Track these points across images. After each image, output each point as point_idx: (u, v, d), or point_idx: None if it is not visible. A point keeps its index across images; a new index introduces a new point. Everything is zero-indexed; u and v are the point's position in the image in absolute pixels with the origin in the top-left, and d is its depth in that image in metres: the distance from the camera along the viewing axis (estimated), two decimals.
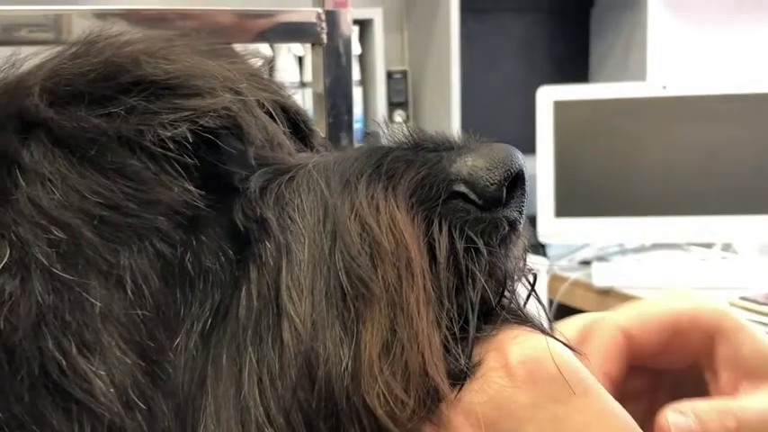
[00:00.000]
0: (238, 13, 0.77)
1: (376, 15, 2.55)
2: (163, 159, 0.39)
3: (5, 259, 0.37)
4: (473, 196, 0.40)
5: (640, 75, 2.71)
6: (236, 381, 0.38)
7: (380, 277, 0.38)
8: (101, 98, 0.40)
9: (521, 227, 0.41)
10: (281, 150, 0.45)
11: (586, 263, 2.18)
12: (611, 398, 0.39)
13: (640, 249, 2.25)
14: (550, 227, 2.14)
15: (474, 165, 0.40)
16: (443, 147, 0.42)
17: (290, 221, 0.41)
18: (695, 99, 2.10)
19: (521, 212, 0.41)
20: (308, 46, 2.06)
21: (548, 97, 2.13)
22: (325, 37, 0.76)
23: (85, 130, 0.39)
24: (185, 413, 0.38)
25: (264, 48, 2.00)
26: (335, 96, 0.75)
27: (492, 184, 0.39)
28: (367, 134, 0.50)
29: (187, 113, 0.40)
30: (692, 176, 2.10)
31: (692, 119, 2.09)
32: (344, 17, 0.77)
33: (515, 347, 0.38)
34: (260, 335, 0.39)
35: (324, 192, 0.41)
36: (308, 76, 2.46)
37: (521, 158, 0.41)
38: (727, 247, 2.23)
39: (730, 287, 1.89)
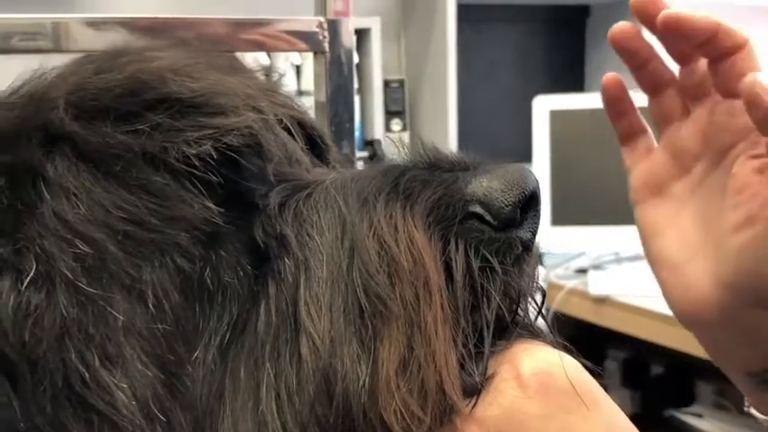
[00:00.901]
0: (239, 23, 0.77)
1: (373, 24, 2.56)
2: (185, 176, 0.40)
3: (32, 273, 0.37)
4: (488, 217, 0.40)
5: (636, 84, 2.72)
6: (253, 394, 0.39)
7: (398, 295, 0.39)
8: (126, 114, 0.41)
9: (533, 247, 0.42)
10: (299, 167, 0.46)
11: (582, 271, 2.18)
12: (618, 410, 0.40)
13: (636, 258, 2.25)
14: (546, 235, 2.15)
15: (489, 186, 0.40)
16: (459, 167, 0.42)
17: (308, 238, 0.41)
18: None
19: (534, 233, 0.42)
20: (306, 54, 2.06)
21: (544, 106, 2.14)
22: (327, 45, 0.77)
23: (111, 145, 0.40)
24: (203, 425, 0.39)
25: (262, 56, 2.01)
26: (337, 105, 0.76)
27: (507, 206, 0.40)
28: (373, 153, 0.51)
29: (211, 131, 0.41)
30: None
31: None
32: (346, 26, 0.78)
33: (527, 360, 0.39)
34: (278, 350, 0.39)
35: (342, 209, 0.41)
36: (306, 85, 2.46)
37: (534, 179, 0.41)
38: None
39: None
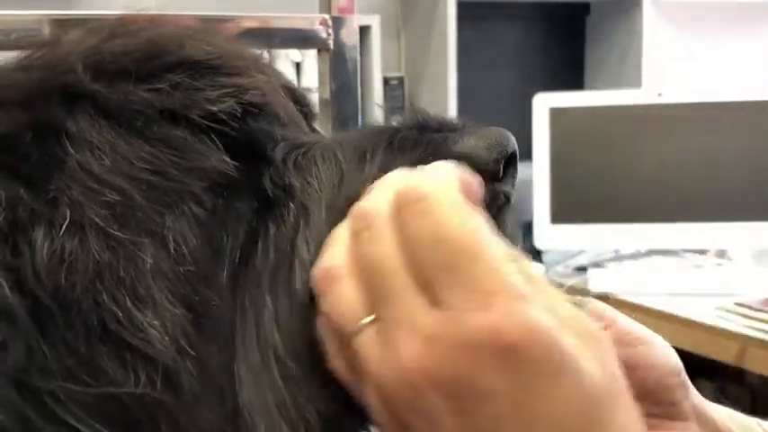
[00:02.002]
0: (244, 20, 0.77)
1: (373, 22, 2.56)
2: (202, 132, 0.43)
3: (66, 222, 0.39)
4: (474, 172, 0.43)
5: (636, 82, 2.73)
6: (257, 322, 0.42)
7: None
8: (145, 75, 0.43)
9: (512, 200, 0.46)
10: (298, 128, 0.50)
11: (582, 269, 2.19)
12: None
13: (636, 256, 2.26)
14: (546, 233, 2.15)
15: (475, 144, 0.44)
16: (446, 128, 0.46)
17: (308, 186, 0.44)
18: (690, 106, 2.11)
19: (513, 187, 0.46)
20: (306, 52, 2.05)
21: (544, 104, 2.14)
22: (331, 43, 0.77)
23: (131, 102, 0.42)
24: (225, 356, 0.41)
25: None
26: (341, 102, 0.76)
27: (491, 162, 0.44)
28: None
29: (231, 90, 0.44)
30: (687, 183, 2.11)
31: (687, 126, 2.10)
32: (350, 23, 0.78)
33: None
34: (276, 283, 0.42)
35: (341, 162, 0.45)
36: (306, 82, 2.46)
37: (514, 141, 0.45)
38: (721, 254, 2.24)
39: (725, 293, 1.90)
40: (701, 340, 1.77)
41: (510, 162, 0.45)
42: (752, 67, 2.98)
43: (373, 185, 0.42)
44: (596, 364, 0.35)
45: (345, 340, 0.39)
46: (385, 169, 0.43)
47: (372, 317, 0.38)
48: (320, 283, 0.41)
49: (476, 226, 0.37)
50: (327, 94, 0.77)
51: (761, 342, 1.73)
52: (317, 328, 0.41)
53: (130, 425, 0.39)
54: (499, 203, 0.45)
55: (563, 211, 2.15)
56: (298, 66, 2.50)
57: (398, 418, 0.37)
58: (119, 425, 0.39)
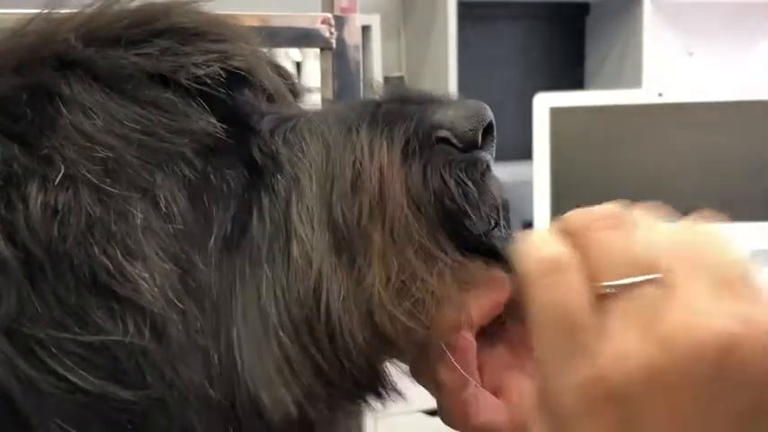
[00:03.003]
0: (246, 19, 0.77)
1: (373, 21, 2.55)
2: (191, 95, 0.44)
3: (58, 177, 0.40)
4: (455, 140, 0.46)
5: (636, 82, 2.72)
6: (256, 290, 0.43)
7: (377, 216, 0.44)
8: (135, 41, 0.44)
9: (491, 169, 0.48)
10: (284, 100, 0.51)
11: None
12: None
13: None
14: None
15: (454, 114, 0.46)
16: (426, 100, 0.48)
17: (297, 159, 0.46)
18: (691, 106, 2.11)
19: (492, 155, 0.48)
20: (306, 51, 2.05)
21: (544, 104, 2.14)
22: (334, 42, 0.77)
23: (122, 66, 0.44)
24: (218, 314, 0.42)
25: None
26: (341, 102, 0.76)
27: (469, 130, 0.46)
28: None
29: (217, 55, 0.45)
30: (687, 183, 2.11)
31: (688, 126, 2.10)
32: (353, 22, 0.78)
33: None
34: (273, 253, 0.44)
35: (326, 136, 0.46)
36: (306, 82, 2.46)
37: (490, 112, 0.47)
38: None
39: None
40: None
41: (488, 131, 0.47)
42: (752, 67, 2.98)
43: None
44: None
45: (610, 289, 0.38)
46: (370, 142, 0.45)
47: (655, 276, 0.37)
48: (598, 220, 0.41)
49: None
50: (329, 94, 0.77)
51: None
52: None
53: (117, 375, 0.40)
54: (481, 169, 0.47)
55: (563, 211, 2.14)
56: (298, 65, 2.50)
57: (667, 385, 0.36)
58: (106, 374, 0.40)
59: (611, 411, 0.36)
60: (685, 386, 0.35)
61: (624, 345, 0.36)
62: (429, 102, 0.47)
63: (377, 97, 0.49)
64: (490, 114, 0.47)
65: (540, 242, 0.40)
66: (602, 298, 0.38)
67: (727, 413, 0.36)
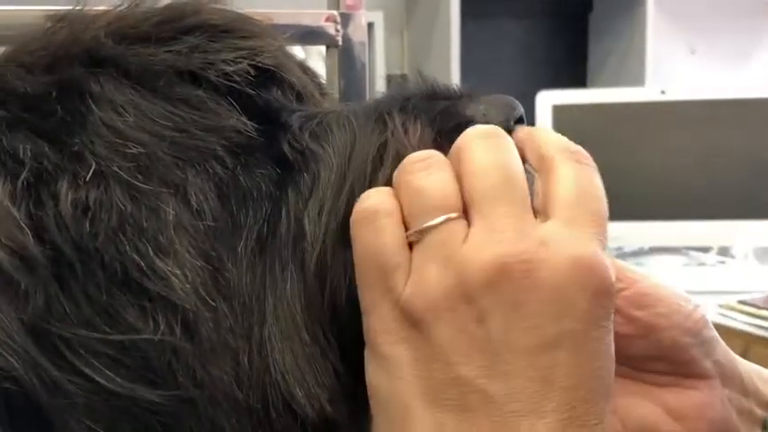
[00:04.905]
0: (251, 16, 0.77)
1: (376, 19, 2.56)
2: (221, 93, 0.44)
3: (89, 174, 0.40)
4: None
5: (639, 79, 2.72)
6: (286, 288, 0.43)
7: None
8: (165, 38, 0.44)
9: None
10: (312, 98, 0.51)
11: None
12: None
13: (639, 253, 2.25)
14: None
15: (486, 108, 0.46)
16: (455, 95, 0.47)
17: (323, 152, 0.45)
18: (694, 104, 2.11)
19: None
20: (309, 49, 2.05)
21: (547, 102, 2.14)
22: (340, 39, 0.77)
23: (153, 63, 0.43)
24: (249, 314, 0.42)
25: None
26: (350, 100, 0.75)
27: (501, 123, 0.45)
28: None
29: (246, 52, 0.45)
30: (690, 181, 2.11)
31: (691, 124, 2.10)
32: (359, 20, 0.77)
33: None
34: (297, 252, 0.43)
35: (354, 127, 0.46)
36: None
37: (521, 108, 0.47)
38: (724, 252, 2.24)
39: (728, 291, 1.90)
40: None
41: (518, 125, 0.47)
42: (755, 65, 2.98)
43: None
44: None
45: (420, 229, 0.40)
46: (405, 125, 0.44)
47: (458, 213, 0.40)
48: (407, 165, 0.41)
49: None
50: (336, 92, 0.76)
51: (764, 340, 1.73)
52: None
53: (147, 375, 0.39)
54: None
55: None
56: None
57: (464, 307, 0.38)
58: (136, 375, 0.39)
59: (416, 338, 0.39)
60: (481, 309, 0.38)
61: (424, 276, 0.39)
62: (457, 97, 0.47)
63: (405, 92, 0.48)
64: (521, 108, 0.47)
65: (366, 194, 0.42)
66: (413, 240, 0.40)
67: (523, 338, 0.38)
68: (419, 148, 0.43)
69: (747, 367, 0.51)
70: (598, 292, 0.38)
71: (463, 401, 0.38)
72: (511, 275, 0.38)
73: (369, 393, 0.41)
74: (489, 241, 0.38)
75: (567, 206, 0.40)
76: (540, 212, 0.40)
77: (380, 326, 0.40)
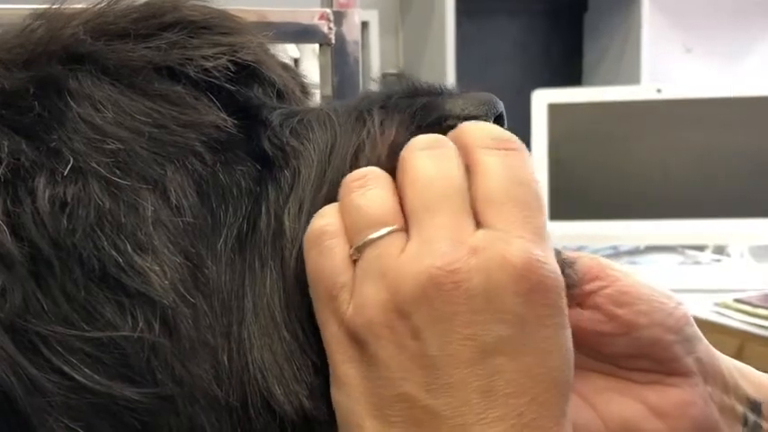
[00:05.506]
0: (243, 14, 0.76)
1: (371, 17, 2.55)
2: (201, 88, 0.44)
3: (66, 169, 0.39)
4: None
5: (634, 78, 2.72)
6: (265, 286, 0.42)
7: None
8: (144, 35, 0.44)
9: None
10: (293, 95, 0.51)
11: None
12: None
13: (634, 252, 2.25)
14: None
15: (464, 104, 0.45)
16: (435, 92, 0.47)
17: (304, 149, 0.45)
18: (689, 102, 2.11)
19: None
20: (305, 47, 2.04)
21: (542, 100, 2.14)
22: (333, 37, 0.76)
23: (131, 59, 0.43)
24: (229, 312, 0.42)
25: None
26: (343, 97, 0.75)
27: (480, 118, 0.45)
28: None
29: (225, 48, 0.45)
30: (685, 180, 2.11)
31: (687, 122, 2.10)
32: (352, 17, 0.77)
33: None
34: (276, 250, 0.43)
35: (334, 125, 0.45)
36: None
37: (501, 104, 0.47)
38: (720, 250, 2.24)
39: (724, 289, 1.90)
40: None
41: (497, 122, 0.46)
42: (751, 63, 2.98)
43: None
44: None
45: (359, 246, 0.40)
46: (383, 124, 0.44)
47: (395, 226, 0.40)
48: (348, 182, 0.41)
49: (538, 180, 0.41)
50: (329, 91, 0.76)
51: (760, 338, 1.72)
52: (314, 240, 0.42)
53: (126, 373, 0.39)
54: None
55: (561, 208, 2.14)
56: (296, 62, 2.49)
57: (399, 323, 0.38)
58: (114, 373, 0.39)
59: (361, 357, 0.39)
60: (415, 324, 0.38)
61: (363, 294, 0.39)
62: (439, 93, 0.47)
63: (387, 89, 0.48)
64: (500, 105, 0.46)
65: (317, 214, 0.42)
66: (355, 258, 0.40)
67: (460, 350, 0.37)
68: (393, 150, 0.43)
69: (728, 363, 0.51)
70: (533, 292, 0.37)
71: (411, 418, 0.38)
72: (441, 287, 0.37)
73: (334, 408, 0.41)
74: (422, 253, 0.38)
75: (494, 204, 0.39)
76: (476, 215, 0.40)
77: (332, 346, 0.40)
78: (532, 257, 0.38)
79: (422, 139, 0.42)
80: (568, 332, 0.39)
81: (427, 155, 0.41)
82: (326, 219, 0.41)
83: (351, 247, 0.40)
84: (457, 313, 0.37)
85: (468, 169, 0.41)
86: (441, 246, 0.38)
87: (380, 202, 0.40)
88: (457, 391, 0.37)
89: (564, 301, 0.39)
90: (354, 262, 0.40)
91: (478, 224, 0.39)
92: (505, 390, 0.37)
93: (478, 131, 0.42)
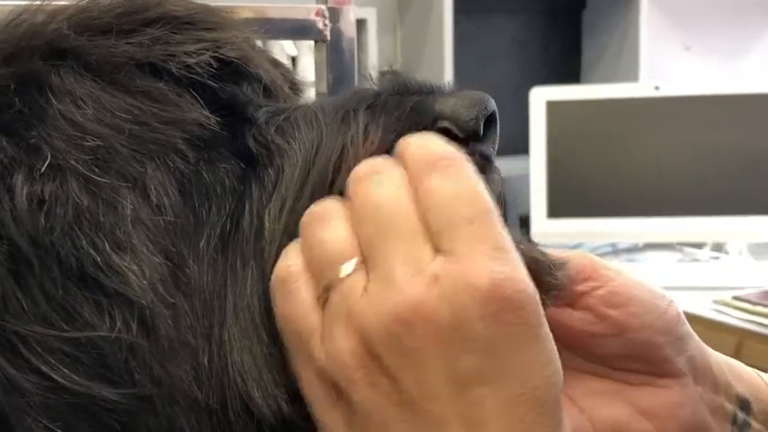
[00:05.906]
0: (239, 10, 0.76)
1: (369, 15, 2.55)
2: (183, 85, 0.43)
3: (44, 166, 0.39)
4: (455, 130, 0.43)
5: (632, 75, 2.72)
6: (246, 287, 0.41)
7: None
8: (127, 30, 0.43)
9: (494, 162, 0.46)
10: (281, 91, 0.50)
11: None
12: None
13: (633, 249, 2.25)
14: (543, 227, 2.14)
15: (455, 103, 0.44)
16: (426, 90, 0.46)
17: (288, 147, 0.44)
18: (687, 100, 2.11)
19: (494, 149, 0.45)
20: (301, 44, 2.03)
21: (541, 98, 2.14)
22: (328, 34, 0.76)
23: (114, 55, 0.42)
24: (210, 313, 0.41)
25: None
26: (339, 94, 0.75)
27: (471, 119, 0.43)
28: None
29: (209, 44, 0.44)
30: (683, 177, 2.11)
31: (685, 119, 2.10)
32: (347, 14, 0.77)
33: None
34: (257, 250, 0.42)
35: (321, 124, 0.44)
36: (302, 76, 2.45)
37: (493, 103, 0.45)
38: (718, 248, 2.24)
39: (722, 287, 1.90)
40: (698, 334, 1.75)
41: (489, 122, 0.45)
42: (749, 61, 2.98)
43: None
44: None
45: (324, 286, 0.39)
46: (367, 129, 0.43)
47: (356, 259, 0.38)
48: (306, 219, 0.40)
49: (484, 190, 0.39)
50: (324, 88, 0.75)
51: (758, 336, 1.72)
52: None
53: (104, 373, 0.38)
54: (480, 164, 0.44)
55: (560, 205, 2.14)
56: (293, 60, 2.49)
57: (372, 364, 0.37)
58: (92, 373, 0.38)
59: (342, 404, 0.38)
60: (388, 365, 0.37)
61: (333, 339, 0.38)
62: (429, 92, 0.45)
63: (376, 87, 0.47)
64: (493, 105, 0.45)
65: (283, 252, 0.41)
66: (322, 299, 0.39)
67: (438, 384, 0.36)
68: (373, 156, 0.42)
69: (719, 360, 0.51)
70: (502, 312, 0.36)
71: None
72: (406, 323, 0.36)
73: None
74: (383, 292, 0.37)
75: (445, 228, 0.38)
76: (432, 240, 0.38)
77: (311, 394, 0.39)
78: (496, 277, 0.36)
79: (366, 165, 0.41)
80: (549, 345, 0.37)
81: (373, 180, 0.40)
82: (290, 260, 0.40)
83: (317, 285, 0.39)
84: (426, 347, 0.36)
85: (416, 192, 0.39)
86: (399, 281, 0.37)
87: (343, 236, 0.39)
88: (443, 426, 0.36)
89: (539, 313, 0.37)
90: (322, 301, 0.39)
91: (436, 250, 0.37)
92: (489, 418, 0.36)
93: (416, 150, 0.40)
